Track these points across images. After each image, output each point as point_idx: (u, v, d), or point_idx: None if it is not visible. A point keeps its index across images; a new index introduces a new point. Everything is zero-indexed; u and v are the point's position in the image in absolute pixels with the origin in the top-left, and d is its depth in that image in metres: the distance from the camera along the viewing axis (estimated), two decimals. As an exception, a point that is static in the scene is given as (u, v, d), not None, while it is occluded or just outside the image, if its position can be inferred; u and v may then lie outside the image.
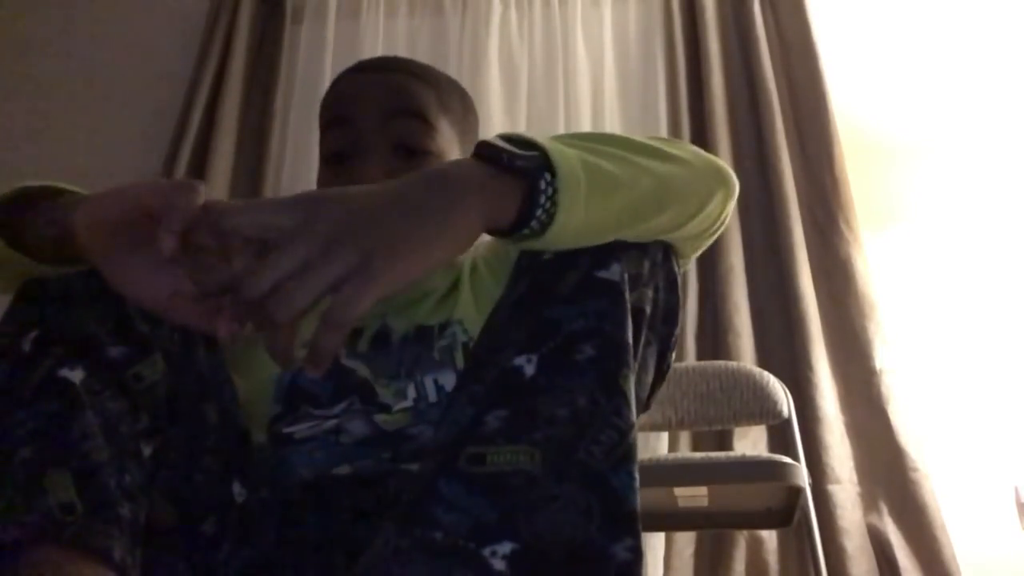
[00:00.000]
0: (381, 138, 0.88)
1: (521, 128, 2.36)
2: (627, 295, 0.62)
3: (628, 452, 0.57)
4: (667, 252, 0.71)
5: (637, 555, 0.54)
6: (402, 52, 2.51)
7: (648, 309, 0.66)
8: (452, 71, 2.44)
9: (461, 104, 0.98)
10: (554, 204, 0.57)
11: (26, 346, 0.64)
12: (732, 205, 0.76)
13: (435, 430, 0.60)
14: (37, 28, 2.78)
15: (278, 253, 0.51)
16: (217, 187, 2.31)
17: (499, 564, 0.51)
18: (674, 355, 0.73)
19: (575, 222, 0.59)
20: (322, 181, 0.92)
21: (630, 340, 0.61)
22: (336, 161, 0.90)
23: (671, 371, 2.00)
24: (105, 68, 2.68)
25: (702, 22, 2.36)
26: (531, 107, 2.40)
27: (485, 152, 0.59)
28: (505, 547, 0.52)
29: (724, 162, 0.76)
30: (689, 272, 2.10)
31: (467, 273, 0.90)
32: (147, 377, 0.67)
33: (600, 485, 0.55)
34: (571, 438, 0.55)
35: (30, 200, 0.67)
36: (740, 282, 2.06)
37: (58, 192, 0.68)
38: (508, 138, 0.60)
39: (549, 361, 0.58)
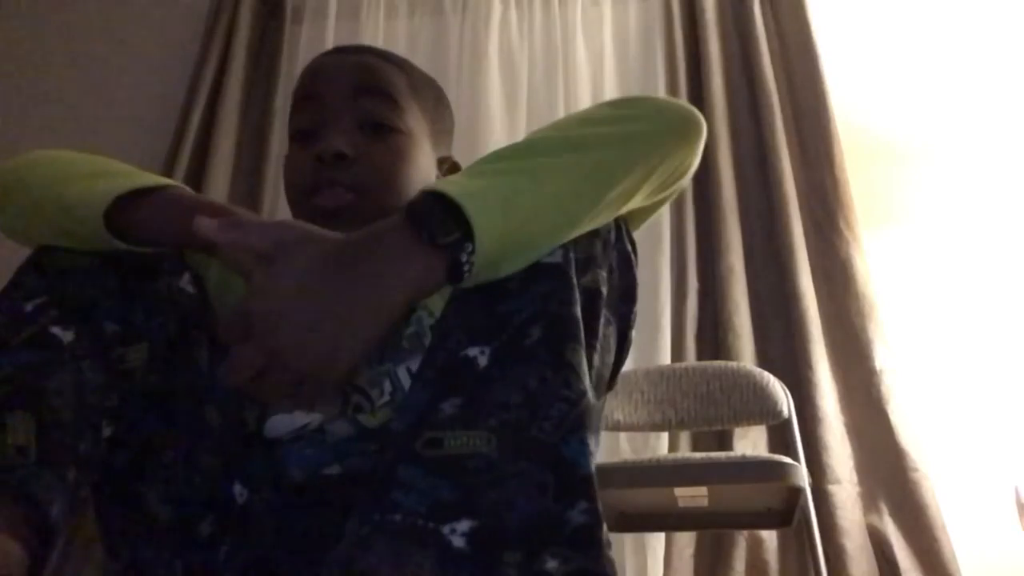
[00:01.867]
0: (347, 113, 0.89)
1: (521, 128, 2.35)
2: (572, 274, 0.64)
3: (579, 420, 0.58)
4: (619, 231, 0.72)
5: (594, 518, 0.55)
6: (402, 52, 2.49)
7: (604, 290, 0.67)
8: (452, 71, 2.45)
9: (434, 97, 0.98)
10: (471, 267, 0.59)
11: (28, 307, 0.67)
12: (698, 151, 0.75)
13: (396, 418, 0.61)
14: (37, 29, 2.78)
15: (232, 361, 0.58)
16: (217, 187, 2.31)
17: (459, 541, 0.53)
18: (633, 333, 0.74)
19: (497, 267, 0.61)
20: (289, 159, 0.94)
21: (578, 315, 0.62)
22: (302, 137, 0.91)
23: (671, 371, 1.99)
24: (105, 68, 2.68)
25: (702, 22, 2.36)
26: (531, 107, 2.40)
27: (413, 219, 0.60)
28: (464, 524, 0.53)
29: (688, 109, 0.74)
30: (689, 272, 2.11)
31: None
32: (130, 361, 0.69)
33: (553, 457, 0.56)
34: (524, 419, 0.57)
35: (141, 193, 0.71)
36: (740, 282, 2.06)
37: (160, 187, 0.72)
38: (438, 195, 0.60)
39: (501, 352, 0.59)
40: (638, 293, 0.75)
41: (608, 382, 0.73)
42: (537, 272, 0.63)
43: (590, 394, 0.60)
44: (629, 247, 0.73)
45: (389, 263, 0.60)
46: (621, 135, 0.69)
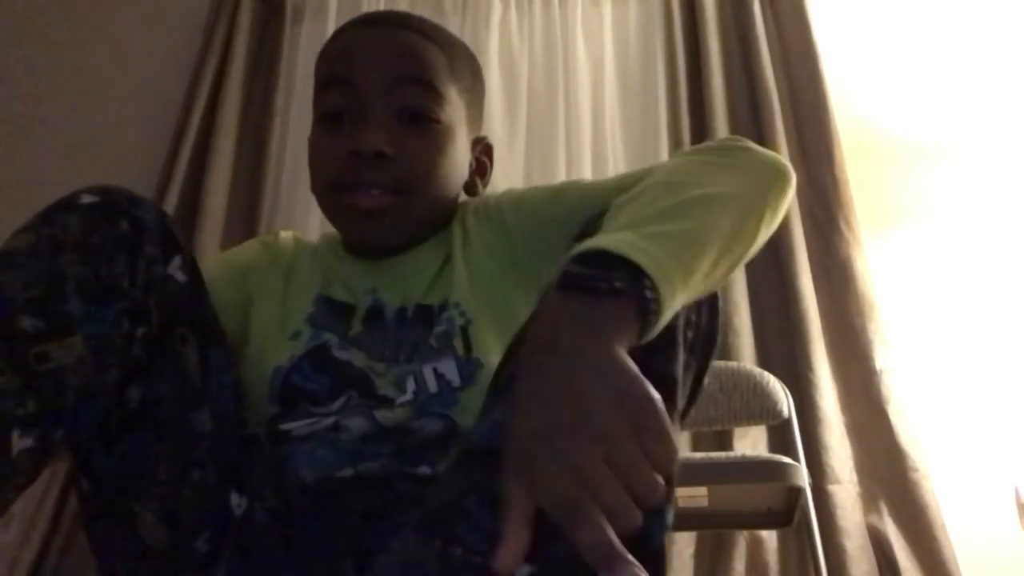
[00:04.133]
0: (385, 104, 0.83)
1: (521, 128, 2.35)
2: (679, 327, 0.60)
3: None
4: None
5: None
6: (402, 52, 2.50)
7: (691, 334, 0.65)
8: (452, 71, 2.45)
9: (471, 72, 0.93)
10: (659, 304, 0.55)
11: None
12: (788, 202, 0.73)
13: (475, 428, 0.58)
14: (37, 29, 2.78)
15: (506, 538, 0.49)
16: (217, 187, 2.31)
17: None
18: (708, 379, 0.72)
19: (677, 304, 0.57)
20: (315, 142, 0.87)
21: (679, 375, 0.59)
22: (333, 120, 0.85)
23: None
24: (105, 68, 2.68)
25: (702, 22, 2.36)
26: (531, 107, 2.40)
27: (578, 284, 0.55)
28: (523, 570, 0.51)
29: (775, 156, 0.73)
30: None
31: (459, 247, 0.86)
32: (54, 359, 0.60)
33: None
34: None
35: None
36: (740, 282, 2.06)
37: None
38: (584, 258, 0.56)
39: None
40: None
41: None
42: None
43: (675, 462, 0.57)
44: (718, 294, 0.70)
45: (607, 344, 0.52)
46: (748, 194, 0.66)
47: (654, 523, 0.55)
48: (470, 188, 0.94)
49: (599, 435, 0.48)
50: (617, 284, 0.53)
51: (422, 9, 2.58)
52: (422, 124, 0.84)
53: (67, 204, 0.65)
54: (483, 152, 0.97)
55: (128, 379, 0.66)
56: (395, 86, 0.83)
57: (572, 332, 0.53)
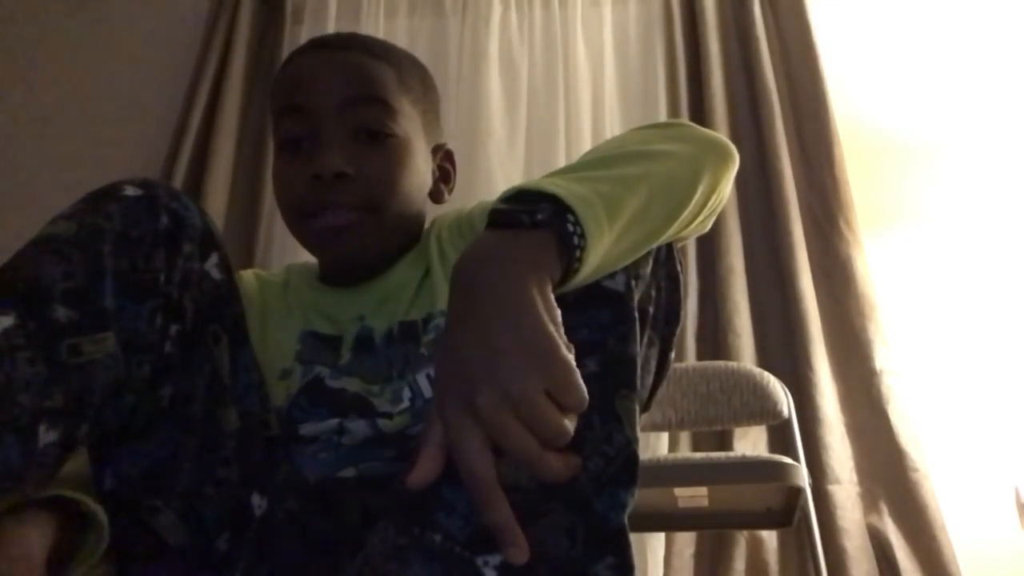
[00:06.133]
0: (340, 126, 0.84)
1: (521, 128, 2.35)
2: (633, 305, 0.61)
3: (616, 476, 0.57)
4: (669, 251, 0.70)
5: (622, 571, 0.55)
6: (402, 52, 2.50)
7: (651, 309, 0.65)
8: (452, 71, 2.45)
9: (422, 82, 0.94)
10: (583, 239, 0.56)
11: None
12: (731, 177, 0.75)
13: None
14: (37, 28, 2.78)
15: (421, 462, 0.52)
16: (217, 187, 2.31)
17: (490, 574, 0.53)
18: (674, 354, 0.73)
19: (604, 244, 0.58)
20: (277, 170, 0.88)
21: (635, 355, 0.60)
22: (292, 148, 0.86)
23: (671, 371, 1.99)
24: (105, 68, 2.68)
25: (702, 22, 2.36)
26: (531, 107, 2.40)
27: (502, 220, 0.58)
28: (496, 559, 0.53)
29: (718, 135, 0.76)
30: (689, 272, 2.10)
31: (436, 260, 0.87)
32: (86, 353, 0.59)
33: (584, 508, 0.55)
34: None
35: None
36: (740, 282, 2.06)
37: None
38: (511, 198, 0.59)
39: None
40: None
41: (645, 403, 0.70)
42: (598, 295, 0.60)
43: (633, 444, 0.59)
44: (678, 267, 0.71)
45: (520, 285, 0.54)
46: (687, 155, 0.68)
47: (608, 505, 0.56)
48: (436, 196, 0.95)
49: (509, 397, 0.49)
50: (539, 216, 0.56)
51: (422, 10, 2.58)
52: (379, 140, 0.85)
53: (110, 194, 0.65)
54: (445, 159, 0.98)
55: (159, 376, 0.66)
56: (348, 106, 0.85)
57: (491, 272, 0.54)
